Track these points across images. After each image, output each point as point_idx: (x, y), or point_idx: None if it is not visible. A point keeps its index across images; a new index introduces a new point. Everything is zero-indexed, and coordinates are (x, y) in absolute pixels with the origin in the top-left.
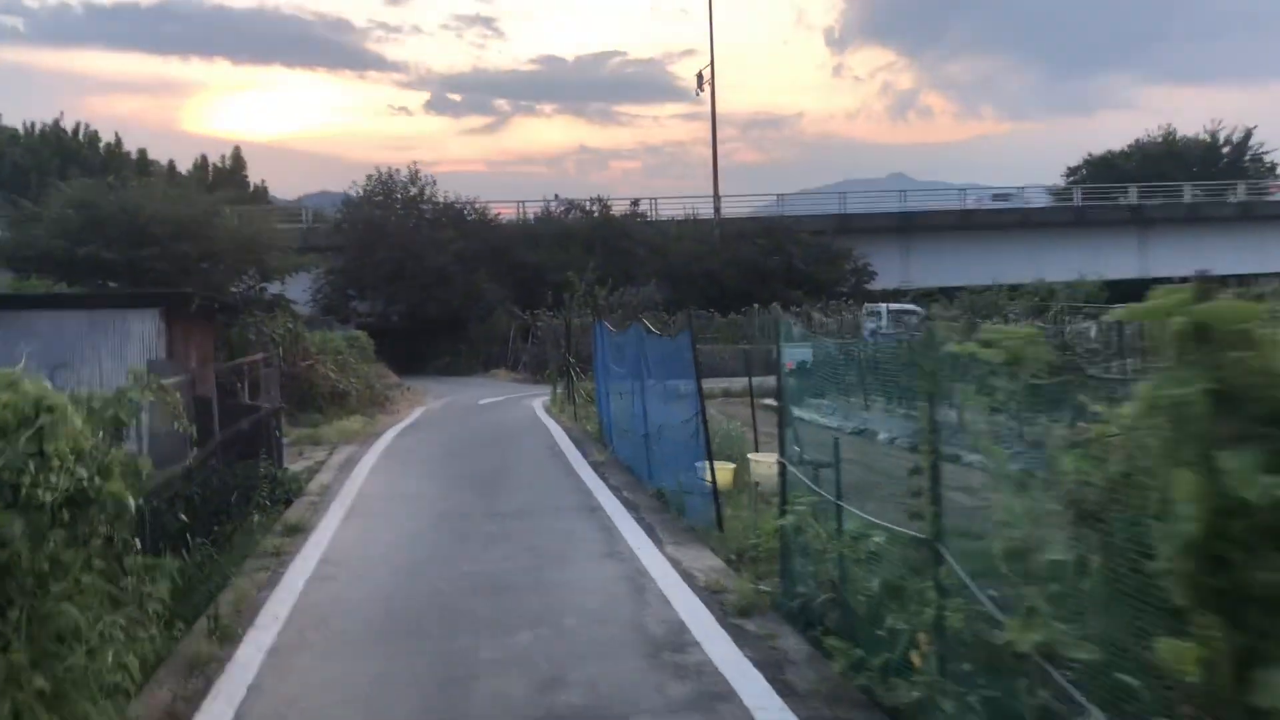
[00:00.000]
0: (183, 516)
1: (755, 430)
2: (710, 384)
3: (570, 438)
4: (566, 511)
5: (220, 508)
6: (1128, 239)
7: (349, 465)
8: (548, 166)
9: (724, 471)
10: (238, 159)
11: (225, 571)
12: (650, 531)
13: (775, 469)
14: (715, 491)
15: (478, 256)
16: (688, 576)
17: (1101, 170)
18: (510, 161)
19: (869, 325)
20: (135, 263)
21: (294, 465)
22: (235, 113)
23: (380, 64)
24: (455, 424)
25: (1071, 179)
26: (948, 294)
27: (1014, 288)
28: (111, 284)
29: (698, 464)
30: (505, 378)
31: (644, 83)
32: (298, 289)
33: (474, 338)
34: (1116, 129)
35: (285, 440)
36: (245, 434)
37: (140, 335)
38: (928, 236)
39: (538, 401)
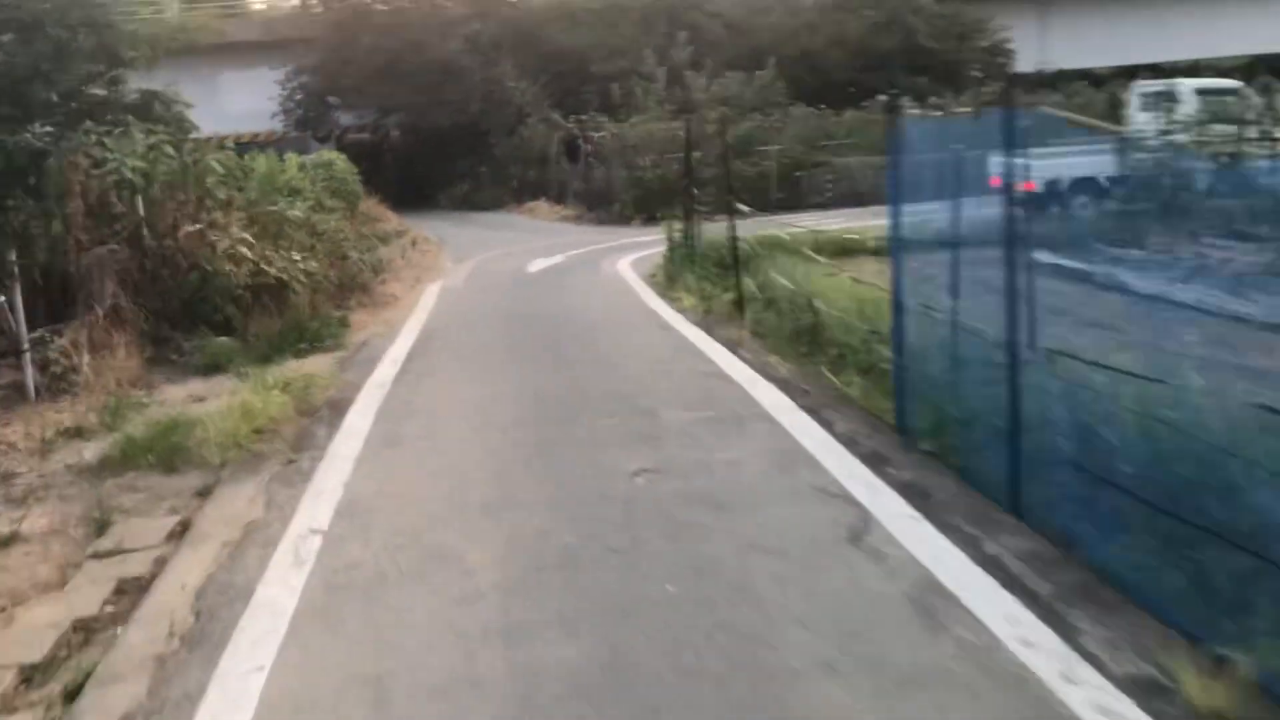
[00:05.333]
0: None
1: None
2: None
3: (838, 440)
4: None
5: None
6: None
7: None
8: None
9: None
10: None
11: None
12: None
13: None
14: None
15: (499, 44)
16: None
17: None
18: None
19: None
20: None
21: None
22: None
23: None
24: (502, 349)
25: None
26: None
27: None
28: None
29: None
30: (549, 215)
31: None
32: (256, 97)
33: (500, 156)
34: None
35: (91, 457)
36: None
37: None
38: (1070, 4)
39: (625, 264)
